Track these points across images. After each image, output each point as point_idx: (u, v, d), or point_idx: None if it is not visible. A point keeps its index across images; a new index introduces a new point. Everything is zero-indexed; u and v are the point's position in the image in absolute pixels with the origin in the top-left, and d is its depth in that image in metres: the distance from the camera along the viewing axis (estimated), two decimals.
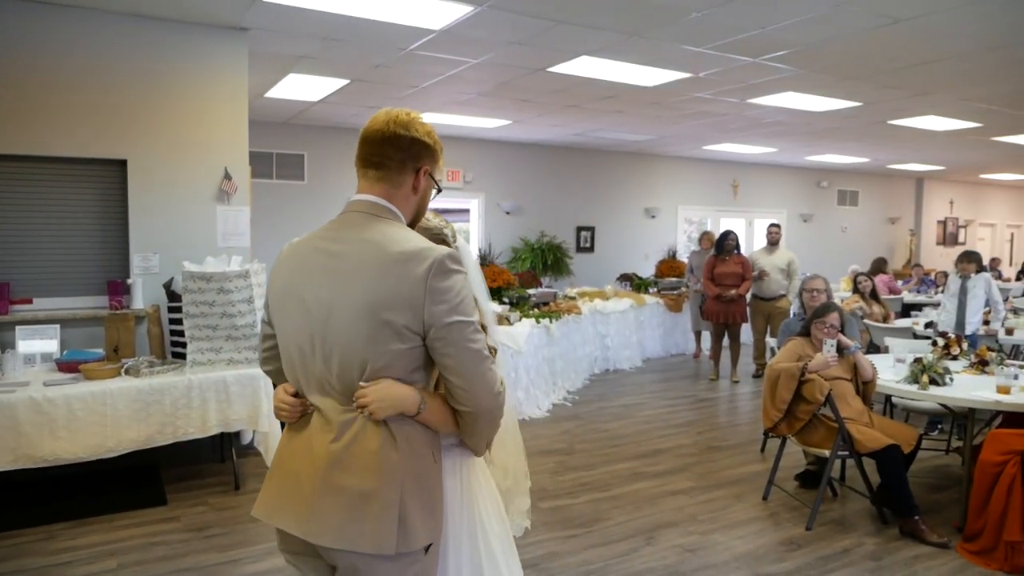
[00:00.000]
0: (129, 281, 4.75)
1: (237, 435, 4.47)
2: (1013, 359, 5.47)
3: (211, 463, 4.84)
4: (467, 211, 11.22)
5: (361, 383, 1.55)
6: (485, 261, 7.77)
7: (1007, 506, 3.48)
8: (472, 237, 10.95)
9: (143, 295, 4.76)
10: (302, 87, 6.91)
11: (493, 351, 1.59)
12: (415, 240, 1.58)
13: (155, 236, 4.87)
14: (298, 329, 1.62)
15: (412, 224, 1.72)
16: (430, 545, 1.61)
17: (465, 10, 4.59)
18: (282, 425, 1.74)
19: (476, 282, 1.71)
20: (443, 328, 1.52)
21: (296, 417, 1.65)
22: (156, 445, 4.07)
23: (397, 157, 1.65)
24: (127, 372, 4.17)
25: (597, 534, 3.86)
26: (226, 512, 4.06)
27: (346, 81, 6.67)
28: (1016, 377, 4.11)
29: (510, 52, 5.59)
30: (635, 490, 4.53)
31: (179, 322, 4.44)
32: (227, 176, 5.02)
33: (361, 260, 1.55)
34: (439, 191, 1.79)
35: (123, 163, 4.78)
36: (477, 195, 10.63)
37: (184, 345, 4.40)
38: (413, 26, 4.94)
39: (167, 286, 4.67)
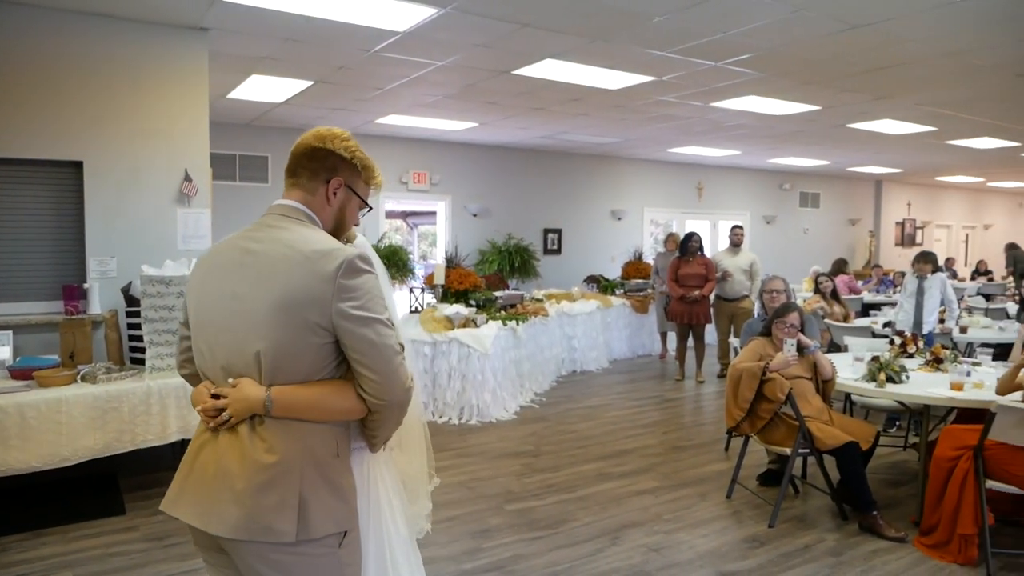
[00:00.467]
0: (86, 285, 4.65)
1: None
2: (967, 356, 5.62)
3: (172, 471, 4.72)
4: (434, 213, 11.20)
5: (230, 380, 1.60)
6: (452, 263, 7.75)
7: (960, 500, 3.56)
8: (439, 239, 10.93)
9: (100, 300, 4.66)
10: (265, 88, 6.83)
11: (401, 348, 1.65)
12: (328, 241, 1.66)
13: (112, 239, 4.77)
14: (213, 325, 1.66)
15: (334, 235, 1.76)
16: (345, 535, 1.64)
17: (429, 12, 4.58)
18: None
19: (383, 283, 1.76)
20: (352, 323, 1.57)
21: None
22: (114, 453, 3.98)
23: (309, 166, 1.75)
24: (83, 379, 4.07)
25: (563, 535, 3.87)
26: None
27: (309, 83, 6.61)
28: (969, 374, 4.22)
29: (475, 54, 5.59)
30: (601, 491, 4.55)
31: (138, 327, 4.35)
32: (187, 178, 4.94)
33: (275, 257, 1.61)
34: (369, 208, 1.86)
35: (79, 165, 4.67)
36: (444, 197, 10.61)
37: (143, 351, 4.31)
38: (377, 28, 4.92)
39: (125, 290, 4.58)
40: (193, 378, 1.81)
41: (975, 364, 4.75)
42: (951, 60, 5.60)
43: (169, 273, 4.23)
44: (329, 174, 1.75)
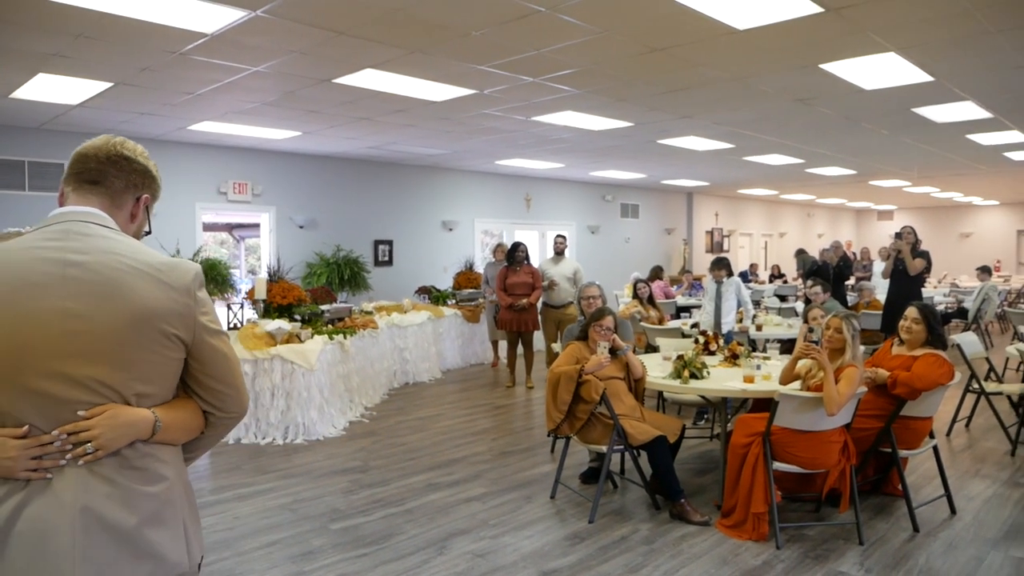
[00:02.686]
0: None
1: None
2: (761, 352, 6.19)
3: None
4: (257, 225, 10.70)
5: (80, 413, 1.38)
6: (274, 277, 7.44)
7: (753, 482, 3.92)
8: (263, 252, 10.46)
9: None
10: (56, 89, 6.21)
11: None
12: (158, 253, 1.55)
13: None
14: (37, 351, 1.37)
15: None
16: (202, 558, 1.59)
17: (238, 15, 4.38)
18: None
19: None
20: (211, 336, 1.53)
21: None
22: None
23: (121, 177, 1.59)
24: None
25: (389, 550, 3.82)
26: None
27: (109, 84, 6.09)
28: (759, 367, 4.66)
29: (292, 61, 5.42)
30: (429, 501, 4.54)
31: None
32: None
33: (114, 269, 1.43)
34: (148, 233, 1.71)
35: None
36: (268, 208, 10.16)
37: None
38: (182, 28, 4.63)
39: None
40: None
41: (765, 358, 5.24)
42: (738, 85, 6.20)
43: None
44: (138, 190, 1.62)
